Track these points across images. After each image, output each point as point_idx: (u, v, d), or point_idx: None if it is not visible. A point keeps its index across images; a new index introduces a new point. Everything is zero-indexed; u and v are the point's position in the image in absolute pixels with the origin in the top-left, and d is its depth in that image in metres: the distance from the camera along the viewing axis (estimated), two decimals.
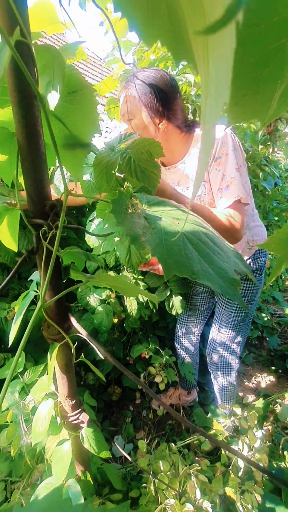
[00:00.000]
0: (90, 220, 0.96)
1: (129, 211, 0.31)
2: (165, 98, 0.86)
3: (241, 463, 1.04)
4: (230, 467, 1.06)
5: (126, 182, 0.52)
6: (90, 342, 0.53)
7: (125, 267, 1.23)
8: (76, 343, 0.56)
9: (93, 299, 1.17)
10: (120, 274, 1.22)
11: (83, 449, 0.66)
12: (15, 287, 1.16)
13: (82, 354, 0.64)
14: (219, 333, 1.31)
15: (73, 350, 0.55)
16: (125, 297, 1.23)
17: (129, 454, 1.41)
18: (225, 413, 1.44)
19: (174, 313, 1.20)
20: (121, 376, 1.59)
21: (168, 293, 1.24)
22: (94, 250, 1.00)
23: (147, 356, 1.29)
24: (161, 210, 0.38)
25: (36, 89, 0.33)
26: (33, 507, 0.19)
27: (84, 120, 0.49)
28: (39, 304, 0.38)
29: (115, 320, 1.26)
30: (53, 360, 0.51)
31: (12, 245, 0.47)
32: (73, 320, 0.51)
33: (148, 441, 1.48)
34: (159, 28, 0.27)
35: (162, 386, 1.37)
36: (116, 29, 1.27)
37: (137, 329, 1.46)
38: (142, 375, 1.42)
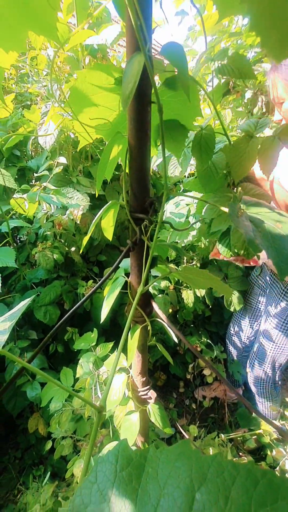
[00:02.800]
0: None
1: (239, 214, 0.34)
2: None
3: None
4: (277, 468, 1.05)
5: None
6: (168, 327, 0.58)
7: (184, 260, 1.26)
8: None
9: (151, 288, 1.23)
10: (179, 267, 1.26)
11: (147, 423, 0.72)
12: (83, 270, 1.27)
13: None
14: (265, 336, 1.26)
15: (150, 332, 0.60)
16: (182, 289, 1.27)
17: (171, 438, 1.47)
18: (269, 417, 1.42)
19: (232, 309, 1.21)
20: (169, 363, 1.65)
21: None
22: None
23: (198, 349, 1.33)
24: (259, 211, 0.41)
25: (157, 95, 0.37)
26: (166, 453, 0.24)
27: (187, 106, 0.52)
28: (139, 289, 0.44)
29: (170, 310, 1.31)
30: (134, 339, 0.57)
31: (109, 234, 0.54)
32: (155, 306, 0.57)
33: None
34: None
35: (210, 379, 1.40)
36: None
37: (189, 321, 1.49)
38: (190, 365, 1.46)
